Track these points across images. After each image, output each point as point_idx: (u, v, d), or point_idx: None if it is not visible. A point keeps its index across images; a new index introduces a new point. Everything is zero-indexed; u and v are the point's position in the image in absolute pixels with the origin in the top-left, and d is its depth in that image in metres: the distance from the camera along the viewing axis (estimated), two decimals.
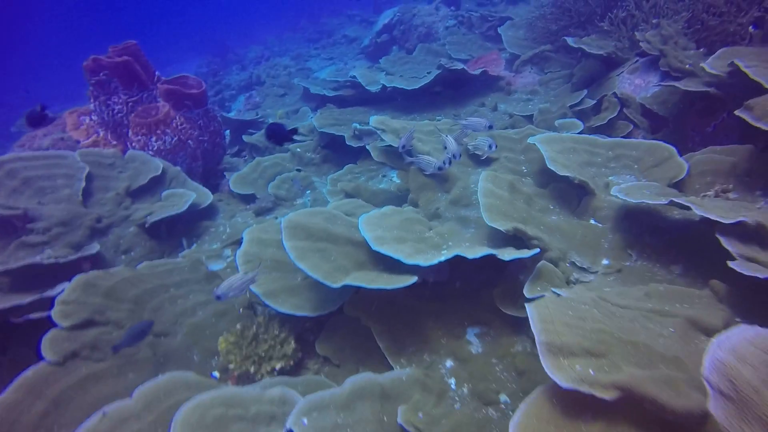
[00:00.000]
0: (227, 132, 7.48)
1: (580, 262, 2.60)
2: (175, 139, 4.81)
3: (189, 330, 2.87)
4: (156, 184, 4.48)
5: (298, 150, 5.46)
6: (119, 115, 5.00)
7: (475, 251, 2.25)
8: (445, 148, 2.96)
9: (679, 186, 3.08)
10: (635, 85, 4.54)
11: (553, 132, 4.06)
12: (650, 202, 2.45)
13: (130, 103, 5.00)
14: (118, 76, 4.87)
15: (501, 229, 2.48)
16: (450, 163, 2.93)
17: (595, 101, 4.74)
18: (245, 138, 6.01)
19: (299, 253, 2.46)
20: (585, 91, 4.97)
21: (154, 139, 4.72)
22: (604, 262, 2.63)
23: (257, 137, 6.03)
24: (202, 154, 5.46)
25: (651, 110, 4.24)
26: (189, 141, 4.94)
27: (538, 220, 2.78)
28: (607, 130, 4.38)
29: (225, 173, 5.45)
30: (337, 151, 5.50)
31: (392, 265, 2.50)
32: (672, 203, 2.41)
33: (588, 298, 2.08)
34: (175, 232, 4.29)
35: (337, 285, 2.33)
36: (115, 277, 2.96)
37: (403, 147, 3.12)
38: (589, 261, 2.63)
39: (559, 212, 2.99)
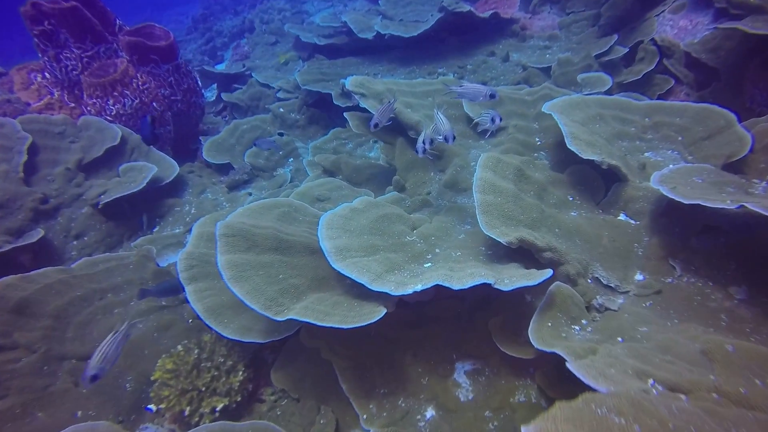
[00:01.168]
0: (214, 87, 6.74)
1: (606, 278, 1.95)
2: (137, 101, 4.13)
3: (123, 349, 2.34)
4: (114, 156, 3.86)
5: (281, 110, 4.74)
6: (74, 72, 4.30)
7: (462, 279, 1.61)
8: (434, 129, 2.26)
9: (739, 166, 2.35)
10: (679, 27, 3.65)
11: (574, 93, 3.27)
12: (709, 205, 1.76)
13: (85, 59, 4.29)
14: (66, 27, 4.14)
15: (502, 241, 1.82)
16: (430, 144, 2.22)
17: (627, 49, 3.87)
18: (224, 96, 5.29)
19: (236, 273, 1.85)
20: (615, 37, 4.08)
21: (111, 101, 4.04)
22: (638, 277, 1.98)
23: (238, 95, 5.30)
24: (173, 116, 4.78)
25: (698, 60, 3.39)
26: (153, 103, 4.26)
27: (553, 220, 2.10)
28: (641, 86, 3.56)
29: (202, 138, 4.79)
30: (326, 111, 4.77)
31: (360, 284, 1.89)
32: (743, 208, 1.71)
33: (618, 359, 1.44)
34: (138, 211, 3.72)
35: (280, 318, 1.74)
36: (35, 284, 2.41)
37: (376, 126, 2.41)
38: (617, 276, 1.98)
39: (580, 205, 2.30)
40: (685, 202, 1.80)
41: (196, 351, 2.19)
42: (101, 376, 1.81)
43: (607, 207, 2.30)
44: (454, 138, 2.17)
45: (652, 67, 3.50)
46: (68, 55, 4.24)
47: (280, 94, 5.03)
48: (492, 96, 2.42)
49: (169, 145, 4.61)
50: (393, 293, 1.66)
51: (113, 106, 4.05)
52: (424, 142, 2.22)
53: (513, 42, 4.83)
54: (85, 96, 4.11)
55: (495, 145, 2.90)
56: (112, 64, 4.22)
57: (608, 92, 3.48)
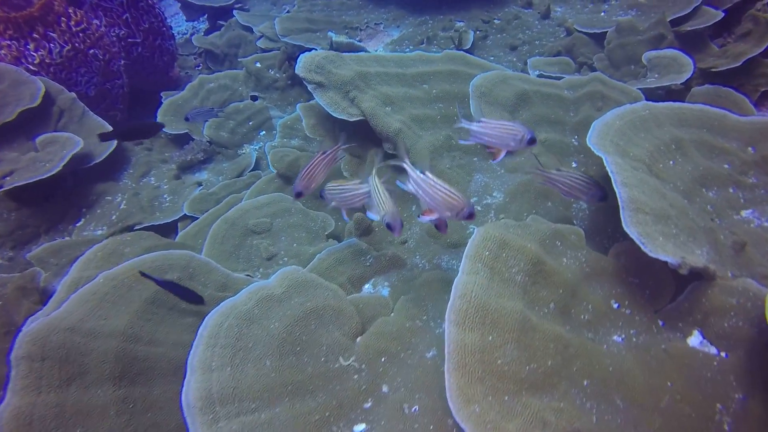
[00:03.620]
0: (203, 18, 5.67)
1: None
2: (68, 47, 3.19)
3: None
4: (34, 121, 3.03)
5: (258, 65, 3.73)
6: None
7: None
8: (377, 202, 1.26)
9: None
10: None
11: (635, 87, 2.19)
12: None
13: None
14: None
15: None
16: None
17: (723, 14, 2.68)
18: (195, 40, 4.26)
19: None
20: None
21: (31, 46, 3.12)
22: None
23: (213, 39, 4.27)
24: (132, 65, 3.85)
25: None
26: (94, 50, 3.31)
27: (583, 362, 1.19)
28: (738, 78, 2.43)
29: (163, 96, 3.85)
30: None
31: None
32: None
33: None
34: (61, 197, 2.94)
35: None
36: None
37: (299, 195, 1.45)
38: None
39: (629, 319, 1.37)
40: None
41: None
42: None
43: (672, 319, 1.38)
44: (402, 226, 1.24)
45: (761, 50, 2.35)
46: None
47: (261, 43, 3.98)
48: (531, 141, 1.39)
49: (123, 104, 3.73)
50: None
51: (35, 52, 3.13)
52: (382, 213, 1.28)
53: None
54: None
55: (510, 171, 1.94)
56: None
57: (686, 84, 2.38)
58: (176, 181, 3.04)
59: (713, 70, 2.41)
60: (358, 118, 1.88)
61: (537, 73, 2.78)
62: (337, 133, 1.99)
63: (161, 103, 3.73)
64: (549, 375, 1.13)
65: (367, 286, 1.71)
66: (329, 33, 3.36)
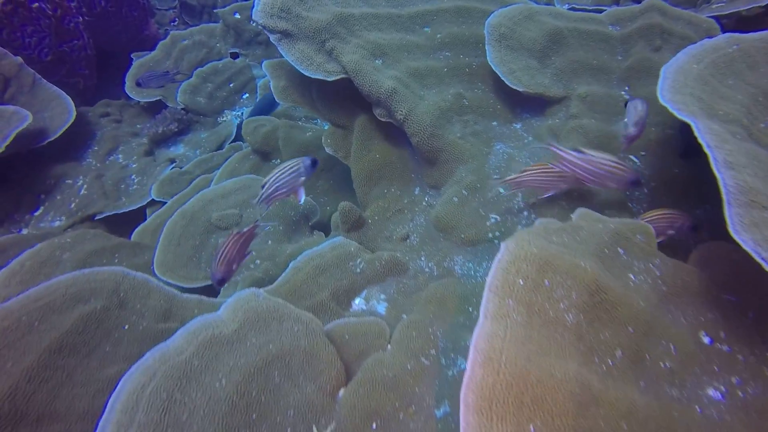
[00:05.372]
0: None
1: None
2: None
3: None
4: None
5: (237, 16, 3.19)
6: None
7: None
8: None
9: None
10: None
11: (711, 17, 1.65)
12: None
13: None
14: None
15: None
16: None
17: None
18: None
19: None
20: None
21: None
22: None
23: None
24: (91, 25, 3.34)
25: None
26: (38, 3, 2.81)
27: None
28: None
29: (134, 57, 3.35)
30: None
31: None
32: None
33: None
34: (24, 182, 2.55)
35: None
36: None
37: (221, 281, 1.19)
38: None
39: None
40: None
41: None
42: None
43: None
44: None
45: None
46: None
47: None
48: (635, 183, 1.04)
49: (89, 69, 3.25)
50: None
51: None
52: None
53: None
54: None
55: (538, 138, 1.46)
56: None
57: None
58: (147, 158, 2.62)
59: None
60: (338, 77, 1.40)
61: (567, 6, 2.23)
62: (314, 99, 1.51)
63: (131, 64, 3.25)
64: None
65: (357, 300, 1.30)
66: None
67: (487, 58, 1.50)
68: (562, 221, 1.01)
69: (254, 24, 3.18)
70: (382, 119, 1.43)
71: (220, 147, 2.65)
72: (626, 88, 1.54)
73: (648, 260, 0.99)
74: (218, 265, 1.29)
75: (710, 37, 1.53)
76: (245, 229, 1.32)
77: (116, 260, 1.60)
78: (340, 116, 1.51)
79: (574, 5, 2.14)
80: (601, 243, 0.94)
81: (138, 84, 2.47)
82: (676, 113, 0.99)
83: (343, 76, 1.40)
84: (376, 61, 1.45)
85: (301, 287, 1.26)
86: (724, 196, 0.85)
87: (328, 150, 1.49)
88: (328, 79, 1.38)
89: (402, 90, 1.40)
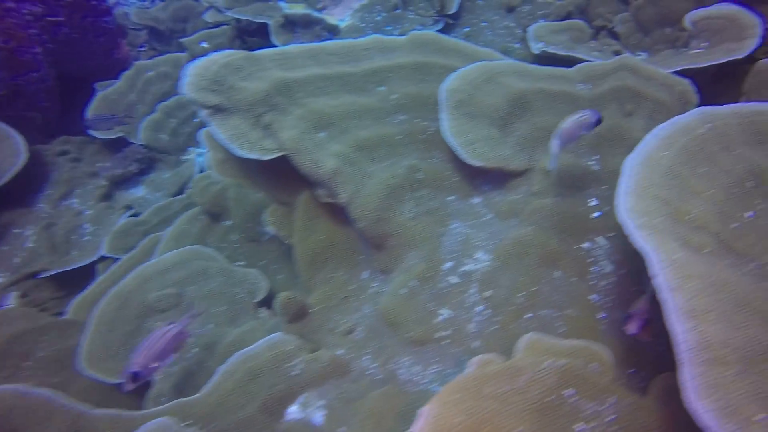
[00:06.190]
0: None
1: None
2: None
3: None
4: None
5: (204, 45, 3.05)
6: None
7: None
8: None
9: None
10: None
11: (675, 62, 1.52)
12: None
13: None
14: None
15: None
16: None
17: None
18: (135, 15, 3.55)
19: None
20: None
21: None
22: None
23: (156, 12, 3.55)
24: (54, 53, 3.20)
25: None
26: None
27: None
28: None
29: (98, 87, 3.20)
30: (270, 45, 3.06)
31: None
32: None
33: None
34: None
35: None
36: None
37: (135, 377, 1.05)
38: None
39: None
40: None
41: None
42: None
43: None
44: None
45: None
46: None
47: (209, 16, 3.28)
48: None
49: (49, 101, 3.11)
50: None
51: None
52: None
53: None
54: None
55: (502, 216, 1.34)
56: None
57: (751, 56, 1.69)
58: (103, 203, 2.48)
59: None
60: (276, 155, 1.27)
61: (540, 45, 2.10)
62: (254, 174, 1.39)
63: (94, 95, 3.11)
64: None
65: (293, 407, 1.18)
66: (279, 2, 2.66)
67: (441, 126, 1.37)
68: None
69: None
70: (325, 200, 1.30)
71: (181, 189, 2.52)
72: (596, 157, 1.42)
73: (602, 399, 0.87)
74: (137, 356, 1.14)
75: (683, 102, 1.41)
76: (176, 325, 1.20)
77: (43, 344, 1.47)
78: (283, 193, 1.38)
79: (547, 49, 2.02)
80: (545, 390, 0.81)
81: (86, 127, 2.34)
82: (631, 239, 0.86)
83: (280, 153, 1.28)
84: (320, 134, 1.33)
85: (229, 398, 1.13)
86: (677, 354, 0.72)
87: (269, 230, 1.37)
88: (264, 158, 1.26)
89: (346, 169, 1.27)
